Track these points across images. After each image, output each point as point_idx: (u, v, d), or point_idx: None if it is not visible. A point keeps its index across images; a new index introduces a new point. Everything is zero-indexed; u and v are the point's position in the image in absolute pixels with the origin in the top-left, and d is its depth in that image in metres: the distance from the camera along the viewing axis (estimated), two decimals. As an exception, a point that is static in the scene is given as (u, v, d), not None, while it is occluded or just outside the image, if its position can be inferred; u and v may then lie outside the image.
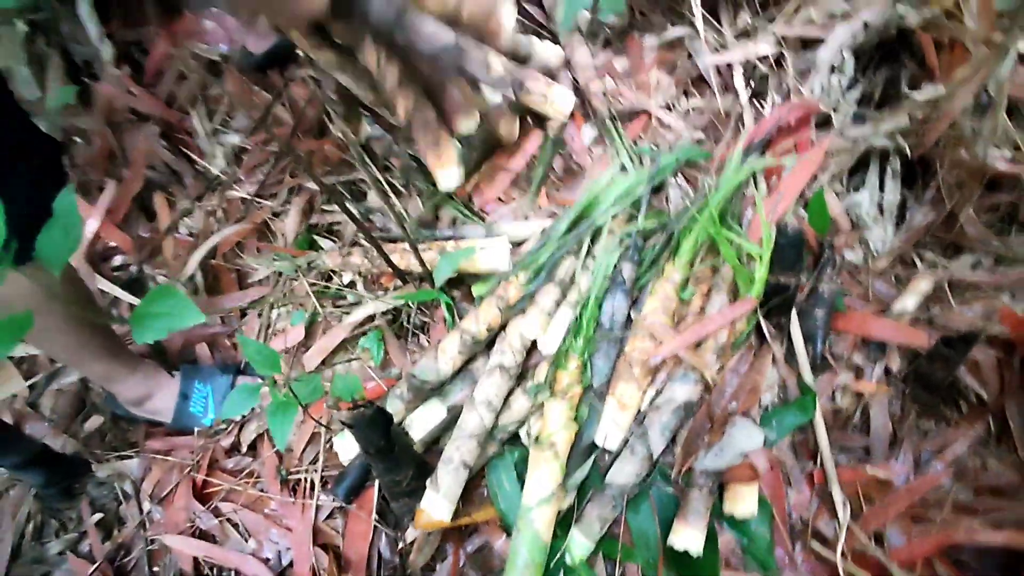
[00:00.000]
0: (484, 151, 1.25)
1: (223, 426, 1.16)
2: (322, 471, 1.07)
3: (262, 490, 1.09)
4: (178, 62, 1.51)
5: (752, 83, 1.20)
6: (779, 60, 1.19)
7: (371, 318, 1.18)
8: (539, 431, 0.97)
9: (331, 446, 1.08)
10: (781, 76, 1.18)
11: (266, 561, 1.04)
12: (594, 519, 0.94)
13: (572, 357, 1.00)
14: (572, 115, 1.30)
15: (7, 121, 0.81)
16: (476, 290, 1.15)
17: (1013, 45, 0.88)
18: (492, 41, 1.07)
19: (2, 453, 1.05)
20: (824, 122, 1.13)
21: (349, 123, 1.33)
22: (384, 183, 1.28)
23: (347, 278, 1.24)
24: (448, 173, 1.11)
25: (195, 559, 1.05)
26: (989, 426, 0.98)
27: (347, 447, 1.05)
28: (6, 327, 0.52)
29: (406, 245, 1.14)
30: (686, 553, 0.90)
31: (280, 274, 1.29)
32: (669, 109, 1.25)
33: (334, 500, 1.05)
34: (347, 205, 1.11)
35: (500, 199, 1.23)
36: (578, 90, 1.29)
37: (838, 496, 0.94)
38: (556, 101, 1.19)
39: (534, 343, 1.04)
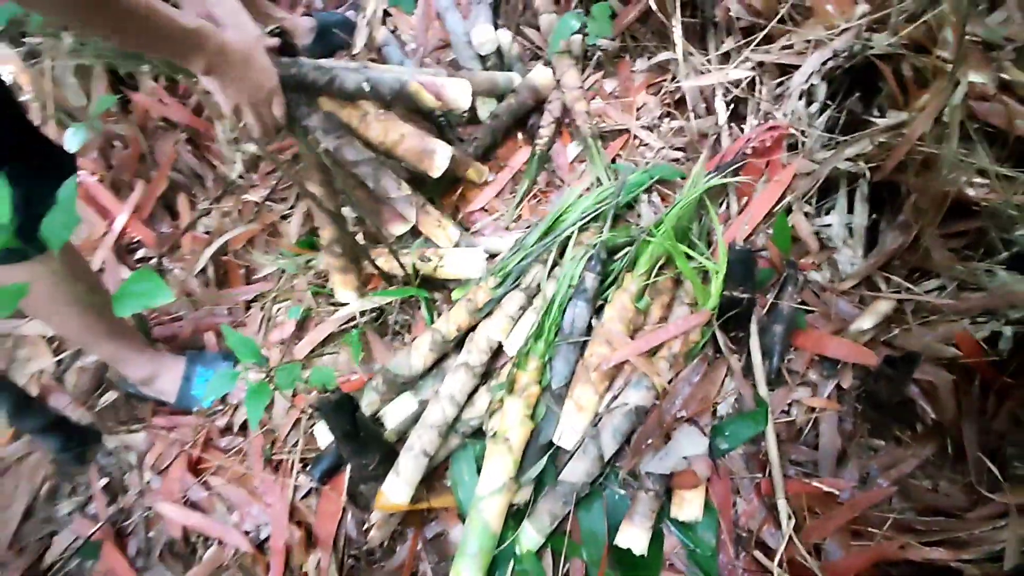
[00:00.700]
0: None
1: (220, 407, 1.26)
2: (302, 454, 1.16)
3: (248, 468, 1.18)
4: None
5: (731, 106, 1.25)
6: (756, 84, 1.23)
7: (358, 298, 1.27)
8: (497, 427, 1.03)
9: (312, 431, 1.17)
10: (757, 100, 1.22)
11: (246, 533, 1.13)
12: (545, 514, 0.99)
13: (532, 359, 1.05)
14: (559, 132, 1.37)
15: (9, 125, 0.92)
16: (456, 294, 1.22)
17: (964, 76, 0.90)
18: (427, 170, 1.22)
19: (26, 418, 1.18)
20: (795, 145, 1.16)
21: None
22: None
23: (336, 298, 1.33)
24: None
25: (184, 527, 1.14)
26: (945, 448, 0.99)
27: (325, 433, 1.14)
28: (3, 295, 0.62)
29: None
30: (630, 552, 0.95)
31: (283, 271, 1.39)
32: (651, 129, 1.31)
33: (311, 481, 1.13)
34: (339, 213, 1.21)
35: (484, 209, 1.31)
36: (566, 110, 1.36)
37: (783, 507, 0.96)
38: (450, 96, 1.23)
39: (500, 345, 1.10)
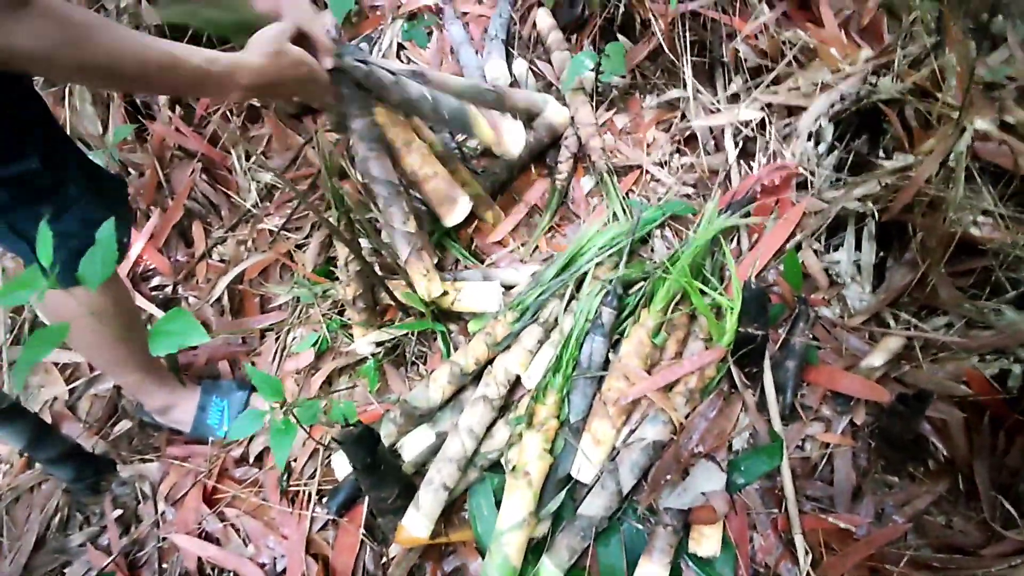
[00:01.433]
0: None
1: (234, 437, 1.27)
2: (319, 485, 1.16)
3: (264, 499, 1.18)
4: (223, 106, 1.68)
5: (740, 144, 1.28)
6: (764, 124, 1.27)
7: (376, 346, 1.28)
8: (516, 460, 1.04)
9: (329, 462, 1.17)
10: (767, 139, 1.25)
11: (262, 566, 1.13)
12: (564, 548, 1.00)
13: (551, 393, 1.07)
14: (575, 167, 1.40)
15: (68, 161, 0.94)
16: (472, 326, 1.24)
17: (971, 123, 0.94)
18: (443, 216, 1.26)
19: (39, 447, 1.18)
20: (804, 184, 1.20)
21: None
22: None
23: (353, 346, 1.34)
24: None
25: (199, 558, 1.14)
26: (957, 485, 1.01)
27: (343, 464, 1.14)
28: (43, 336, 0.63)
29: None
30: (649, 587, 0.95)
31: (298, 300, 1.41)
32: (662, 165, 1.34)
33: (327, 513, 1.13)
34: (356, 243, 1.23)
35: (499, 242, 1.33)
36: (580, 145, 1.39)
37: (800, 543, 0.97)
38: (507, 140, 1.26)
39: (518, 378, 1.12)
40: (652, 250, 1.22)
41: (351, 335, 1.32)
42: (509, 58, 1.57)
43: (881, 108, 1.11)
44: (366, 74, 1.12)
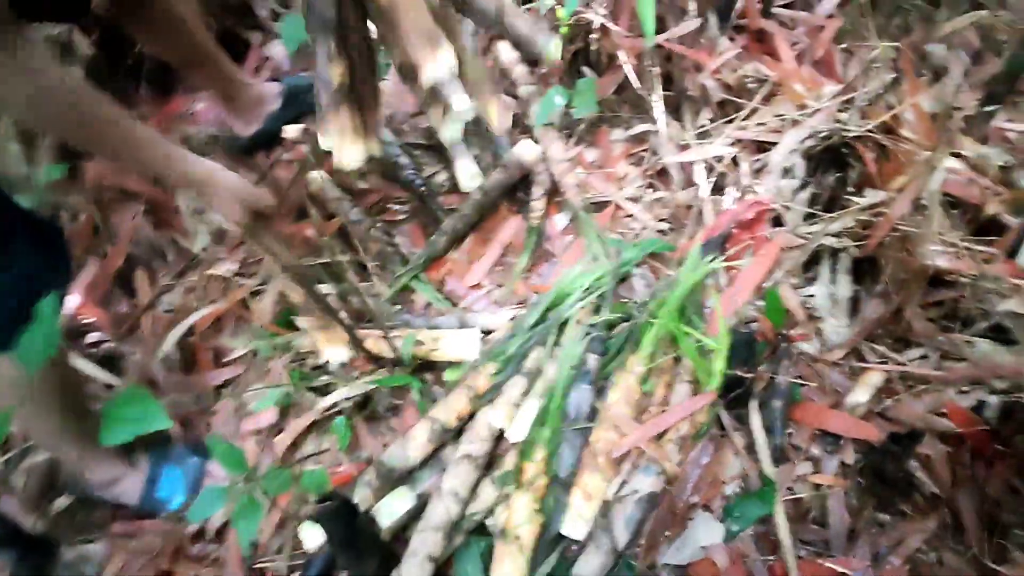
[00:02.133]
0: (454, 237, 1.31)
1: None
2: (289, 560, 1.07)
3: (226, 579, 1.08)
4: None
5: (712, 179, 1.28)
6: (736, 159, 1.27)
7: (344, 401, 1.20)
8: (504, 523, 0.98)
9: (297, 534, 1.08)
10: (738, 174, 1.26)
11: (227, 656, 1.02)
12: (559, 614, 0.94)
13: (539, 448, 1.02)
14: (549, 204, 1.37)
15: (10, 209, 0.85)
16: (448, 375, 1.18)
17: (942, 162, 0.95)
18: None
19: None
20: (779, 220, 1.20)
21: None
22: (360, 266, 1.32)
23: (322, 359, 1.26)
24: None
25: (155, 653, 1.03)
26: (944, 520, 1.01)
27: (313, 535, 1.05)
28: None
29: (379, 329, 1.17)
30: (650, 650, 0.91)
31: (256, 354, 1.31)
32: (635, 201, 1.32)
33: (299, 591, 1.04)
34: (318, 290, 1.15)
35: (473, 286, 1.28)
36: (552, 181, 1.36)
37: (798, 590, 0.95)
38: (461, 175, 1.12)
39: (501, 432, 1.06)
40: (632, 289, 1.19)
41: (315, 389, 1.23)
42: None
43: (849, 144, 1.12)
44: None
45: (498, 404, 1.05)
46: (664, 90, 1.40)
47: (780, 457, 1.05)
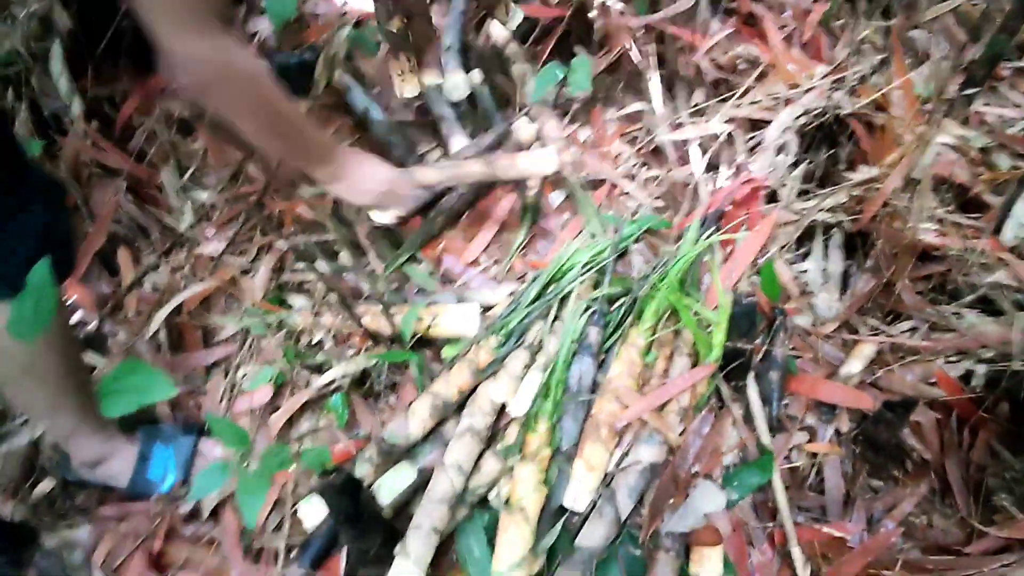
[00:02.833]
0: (450, 216, 1.30)
1: (183, 491, 1.13)
2: (287, 538, 1.05)
3: (224, 559, 1.05)
4: (149, 118, 1.52)
5: (706, 157, 1.29)
6: (731, 137, 1.28)
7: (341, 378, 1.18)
8: (509, 495, 0.98)
9: (296, 512, 1.06)
10: (733, 152, 1.27)
11: (225, 636, 1.00)
12: (564, 584, 0.95)
13: (542, 420, 1.02)
14: (544, 182, 1.36)
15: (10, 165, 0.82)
16: (446, 352, 1.17)
17: (934, 138, 0.98)
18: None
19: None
20: (773, 196, 1.22)
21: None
22: (355, 244, 1.30)
23: (317, 337, 1.24)
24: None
25: (150, 635, 1.00)
26: (933, 484, 1.05)
27: (312, 513, 1.04)
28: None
29: (377, 305, 1.16)
30: (653, 616, 0.92)
31: (248, 332, 1.28)
32: (630, 179, 1.33)
33: (300, 568, 1.02)
34: (318, 265, 1.13)
35: (471, 263, 1.27)
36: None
37: (798, 556, 0.97)
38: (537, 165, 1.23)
39: (504, 405, 1.06)
40: (630, 265, 1.20)
41: (310, 367, 1.21)
42: (467, 69, 1.52)
43: (841, 121, 1.14)
44: None
45: (500, 378, 1.05)
46: (659, 68, 1.41)
47: (777, 427, 1.07)
